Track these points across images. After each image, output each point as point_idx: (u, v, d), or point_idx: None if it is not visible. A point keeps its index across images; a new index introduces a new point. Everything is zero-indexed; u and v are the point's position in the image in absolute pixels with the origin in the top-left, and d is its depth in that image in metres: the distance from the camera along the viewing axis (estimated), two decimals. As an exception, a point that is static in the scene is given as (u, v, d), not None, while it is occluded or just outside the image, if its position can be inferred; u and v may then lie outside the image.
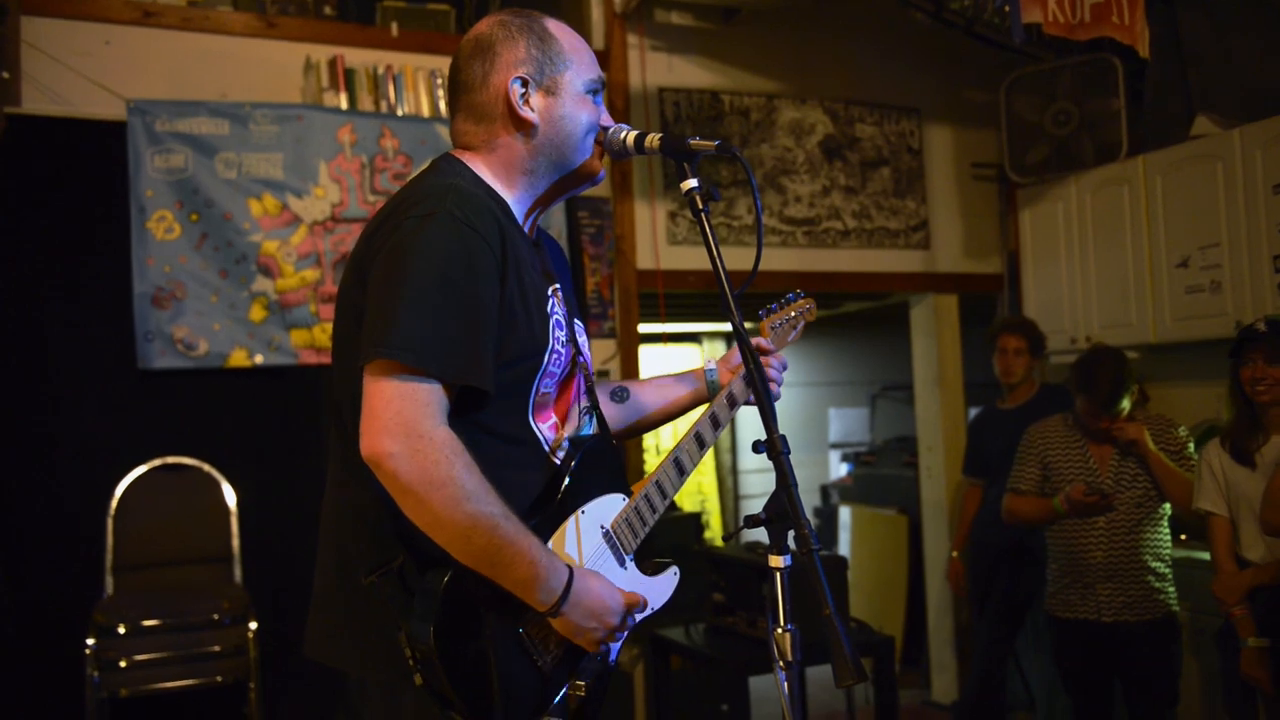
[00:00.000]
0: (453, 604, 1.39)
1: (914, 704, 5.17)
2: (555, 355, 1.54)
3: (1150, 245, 4.23)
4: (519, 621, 1.46)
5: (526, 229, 1.62)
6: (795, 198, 4.79)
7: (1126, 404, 3.25)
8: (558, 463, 1.57)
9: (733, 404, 1.86)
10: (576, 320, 1.68)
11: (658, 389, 1.95)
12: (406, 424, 1.34)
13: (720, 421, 1.83)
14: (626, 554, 1.63)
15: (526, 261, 1.53)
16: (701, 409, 1.86)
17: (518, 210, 1.59)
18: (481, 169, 1.58)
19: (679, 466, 1.72)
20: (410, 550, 1.43)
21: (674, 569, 1.73)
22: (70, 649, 3.24)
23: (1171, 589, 3.29)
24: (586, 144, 1.61)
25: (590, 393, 1.68)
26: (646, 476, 1.70)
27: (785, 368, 1.97)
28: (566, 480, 1.55)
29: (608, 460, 1.65)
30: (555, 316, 1.56)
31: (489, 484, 1.38)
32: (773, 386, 1.90)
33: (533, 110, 1.56)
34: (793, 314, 2.10)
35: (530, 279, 1.52)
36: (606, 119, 1.65)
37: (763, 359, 1.92)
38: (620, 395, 1.91)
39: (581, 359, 1.65)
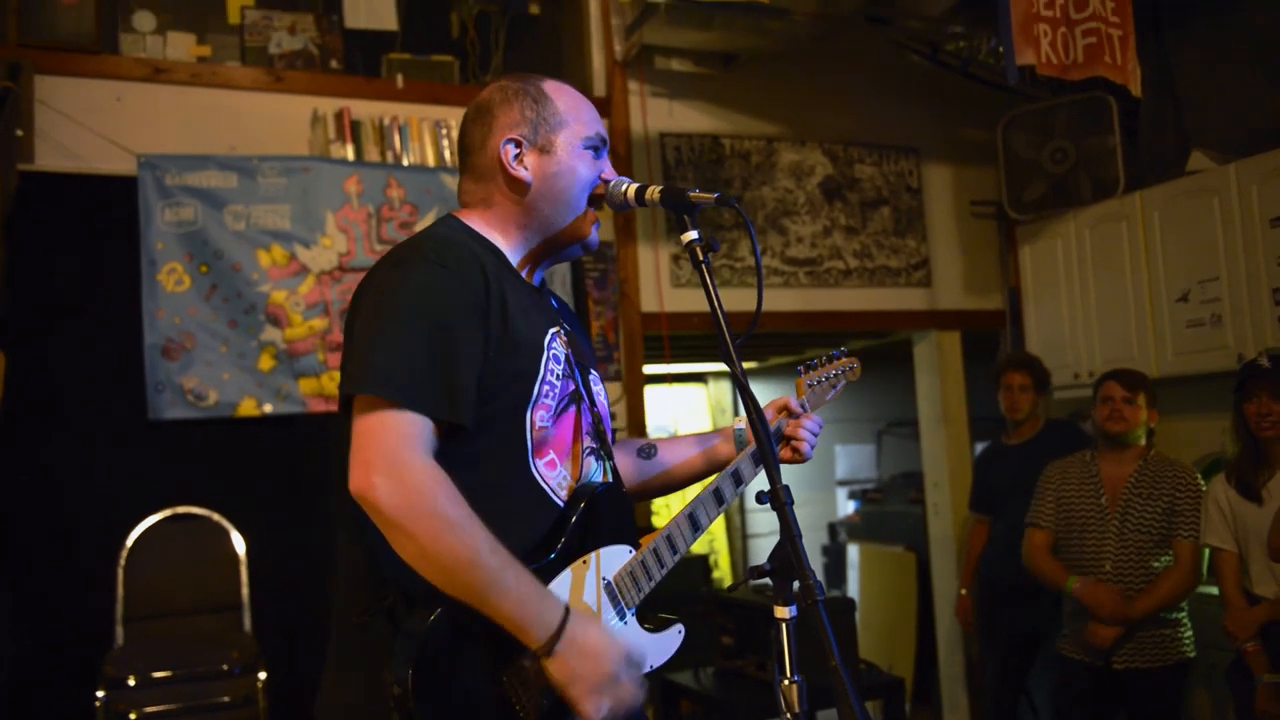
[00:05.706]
0: (434, 646, 1.37)
1: (927, 744, 5.12)
2: (548, 386, 1.55)
3: (1150, 280, 4.25)
4: (502, 669, 1.41)
5: (524, 276, 1.66)
6: (797, 238, 4.83)
7: (1143, 401, 3.33)
8: (560, 504, 1.56)
9: (758, 462, 1.81)
10: (592, 370, 1.70)
11: (686, 445, 1.93)
12: (387, 456, 1.36)
13: (743, 478, 1.80)
14: (628, 608, 1.60)
15: (521, 300, 1.56)
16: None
17: (514, 260, 1.64)
18: (477, 223, 1.64)
19: (693, 522, 1.69)
20: (401, 589, 1.42)
21: (678, 627, 1.69)
22: (80, 700, 3.23)
23: (1188, 634, 3.26)
24: (580, 201, 1.65)
25: (599, 436, 1.67)
26: (658, 529, 1.66)
27: (820, 429, 1.91)
28: (569, 527, 1.53)
29: (616, 510, 1.63)
30: (553, 351, 1.57)
31: (474, 515, 1.37)
32: (804, 448, 1.87)
33: (526, 169, 1.62)
34: (833, 372, 2.03)
35: (524, 315, 1.54)
36: (609, 173, 1.69)
37: (794, 420, 1.87)
38: (648, 452, 1.90)
39: (586, 402, 1.64)
